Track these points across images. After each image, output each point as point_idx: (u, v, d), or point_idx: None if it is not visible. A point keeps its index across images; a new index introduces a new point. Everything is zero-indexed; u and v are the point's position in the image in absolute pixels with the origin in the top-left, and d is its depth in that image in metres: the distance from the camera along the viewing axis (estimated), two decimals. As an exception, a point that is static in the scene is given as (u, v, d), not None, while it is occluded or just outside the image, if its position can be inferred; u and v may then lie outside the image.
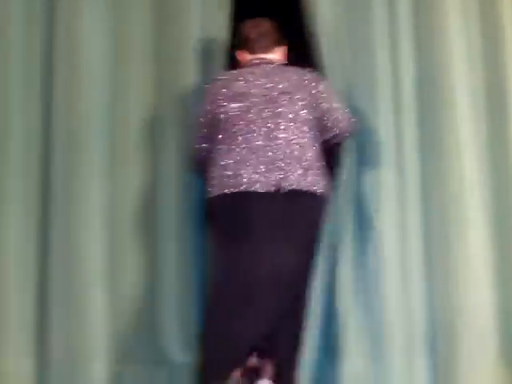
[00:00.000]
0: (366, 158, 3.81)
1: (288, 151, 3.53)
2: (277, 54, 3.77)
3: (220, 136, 3.60)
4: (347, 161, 3.79)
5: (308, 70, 3.70)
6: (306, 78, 3.65)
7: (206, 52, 3.88)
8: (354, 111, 3.79)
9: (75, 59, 3.78)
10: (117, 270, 3.73)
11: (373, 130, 3.82)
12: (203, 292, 3.72)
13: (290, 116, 3.57)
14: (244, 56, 3.77)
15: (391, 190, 3.80)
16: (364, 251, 3.75)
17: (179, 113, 3.82)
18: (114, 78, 3.84)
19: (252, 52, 3.74)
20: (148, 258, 3.76)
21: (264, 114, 3.56)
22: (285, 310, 3.50)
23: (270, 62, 3.71)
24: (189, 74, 3.85)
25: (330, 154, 3.75)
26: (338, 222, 3.74)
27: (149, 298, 3.73)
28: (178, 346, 3.67)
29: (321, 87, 3.66)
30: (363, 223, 3.77)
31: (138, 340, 3.69)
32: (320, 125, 3.64)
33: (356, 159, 3.80)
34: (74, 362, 3.60)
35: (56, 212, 3.72)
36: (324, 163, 3.66)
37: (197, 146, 3.70)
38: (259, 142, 3.53)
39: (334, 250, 3.71)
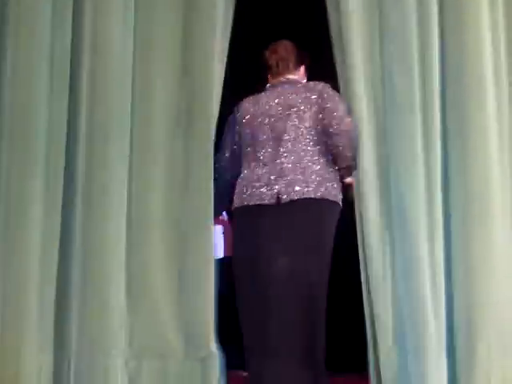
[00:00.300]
0: (391, 156, 3.78)
1: (296, 164, 3.75)
2: (296, 74, 4.00)
3: (242, 154, 3.92)
4: (373, 160, 3.78)
5: (318, 82, 3.87)
6: (314, 89, 3.85)
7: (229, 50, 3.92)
8: (380, 105, 3.81)
9: (102, 53, 3.80)
10: (139, 263, 3.73)
11: (397, 125, 3.79)
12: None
13: (297, 130, 3.81)
14: (269, 79, 4.03)
15: (419, 188, 3.75)
16: (395, 251, 3.73)
17: (204, 108, 3.81)
18: (139, 71, 3.85)
19: (273, 76, 4.00)
20: (170, 251, 3.75)
21: (273, 132, 3.84)
22: (302, 316, 3.61)
23: (287, 83, 3.94)
24: (214, 71, 3.83)
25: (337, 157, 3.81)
26: (368, 223, 3.72)
27: (170, 291, 3.72)
28: (196, 340, 3.66)
29: (326, 93, 3.83)
30: (392, 222, 3.74)
31: (157, 334, 3.68)
32: (325, 128, 3.78)
33: (382, 156, 3.79)
34: (92, 356, 3.60)
35: (80, 203, 3.73)
36: (335, 170, 3.80)
37: (222, 165, 3.96)
38: (268, 158, 3.81)
39: (365, 252, 3.72)
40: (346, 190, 3.85)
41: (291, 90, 3.87)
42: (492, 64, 3.84)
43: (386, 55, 3.84)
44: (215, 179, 3.80)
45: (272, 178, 3.73)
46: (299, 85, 3.91)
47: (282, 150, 3.76)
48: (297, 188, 3.69)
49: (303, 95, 3.82)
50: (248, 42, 4.44)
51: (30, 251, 3.66)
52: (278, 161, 3.75)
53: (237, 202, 3.83)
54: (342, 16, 3.84)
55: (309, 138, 3.77)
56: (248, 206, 3.76)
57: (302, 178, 3.71)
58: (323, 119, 3.76)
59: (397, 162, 3.76)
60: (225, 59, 3.91)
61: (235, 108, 3.99)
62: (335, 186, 3.76)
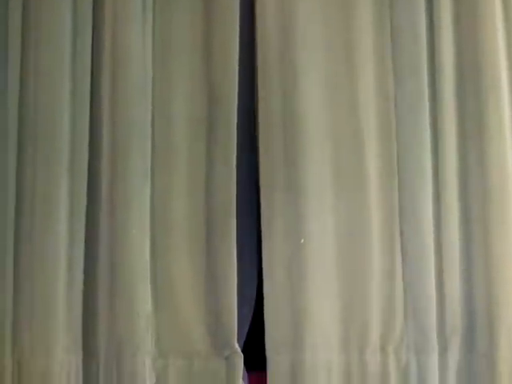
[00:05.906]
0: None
1: None
2: None
3: None
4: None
5: None
6: None
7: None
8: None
9: (121, 60, 3.82)
10: (163, 267, 3.77)
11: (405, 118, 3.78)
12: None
13: None
14: None
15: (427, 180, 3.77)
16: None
17: (226, 112, 3.79)
18: (159, 76, 3.85)
19: None
20: (194, 253, 3.78)
21: None
22: None
23: None
24: (235, 75, 3.79)
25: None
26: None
27: (194, 293, 3.77)
28: (220, 339, 3.72)
29: None
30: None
31: (182, 334, 3.75)
32: None
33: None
34: (120, 357, 3.68)
35: (104, 209, 3.78)
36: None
37: None
38: None
39: None
40: None
41: None
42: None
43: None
44: None
45: None
46: None
47: None
48: None
49: None
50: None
51: (57, 257, 3.73)
52: None
53: None
54: None
55: None
56: None
57: None
58: None
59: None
60: None
61: None
62: None
